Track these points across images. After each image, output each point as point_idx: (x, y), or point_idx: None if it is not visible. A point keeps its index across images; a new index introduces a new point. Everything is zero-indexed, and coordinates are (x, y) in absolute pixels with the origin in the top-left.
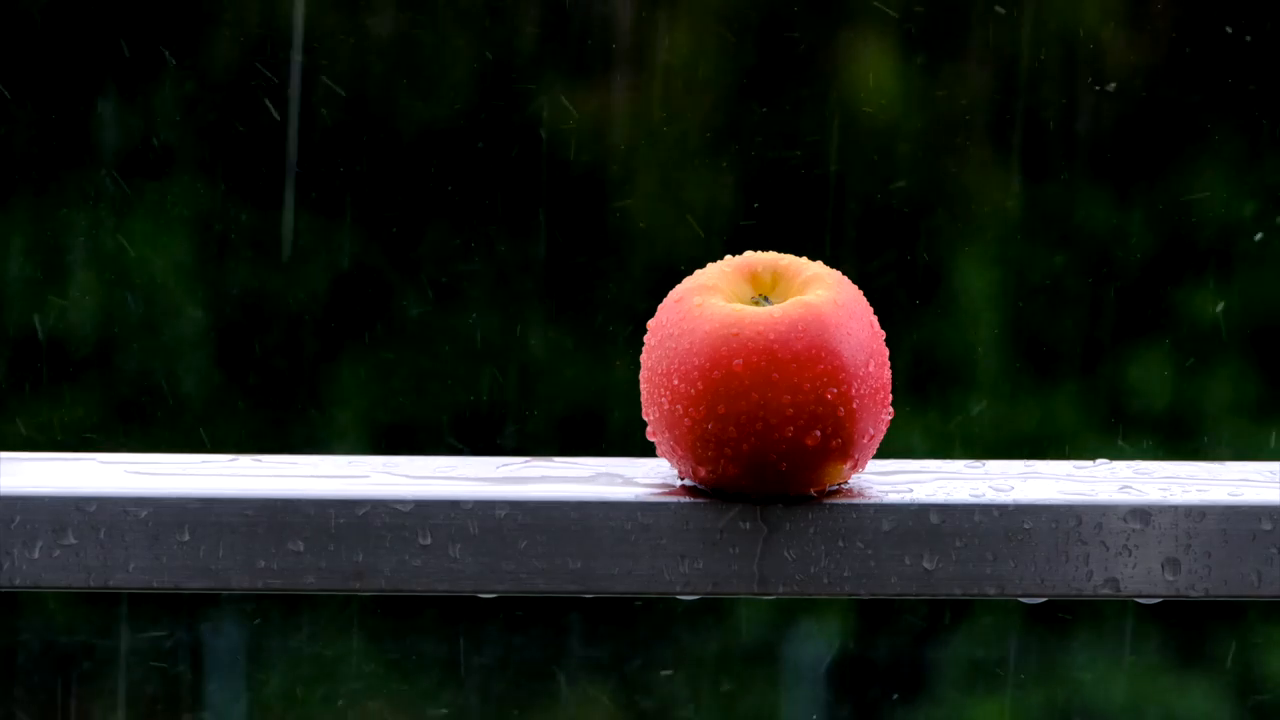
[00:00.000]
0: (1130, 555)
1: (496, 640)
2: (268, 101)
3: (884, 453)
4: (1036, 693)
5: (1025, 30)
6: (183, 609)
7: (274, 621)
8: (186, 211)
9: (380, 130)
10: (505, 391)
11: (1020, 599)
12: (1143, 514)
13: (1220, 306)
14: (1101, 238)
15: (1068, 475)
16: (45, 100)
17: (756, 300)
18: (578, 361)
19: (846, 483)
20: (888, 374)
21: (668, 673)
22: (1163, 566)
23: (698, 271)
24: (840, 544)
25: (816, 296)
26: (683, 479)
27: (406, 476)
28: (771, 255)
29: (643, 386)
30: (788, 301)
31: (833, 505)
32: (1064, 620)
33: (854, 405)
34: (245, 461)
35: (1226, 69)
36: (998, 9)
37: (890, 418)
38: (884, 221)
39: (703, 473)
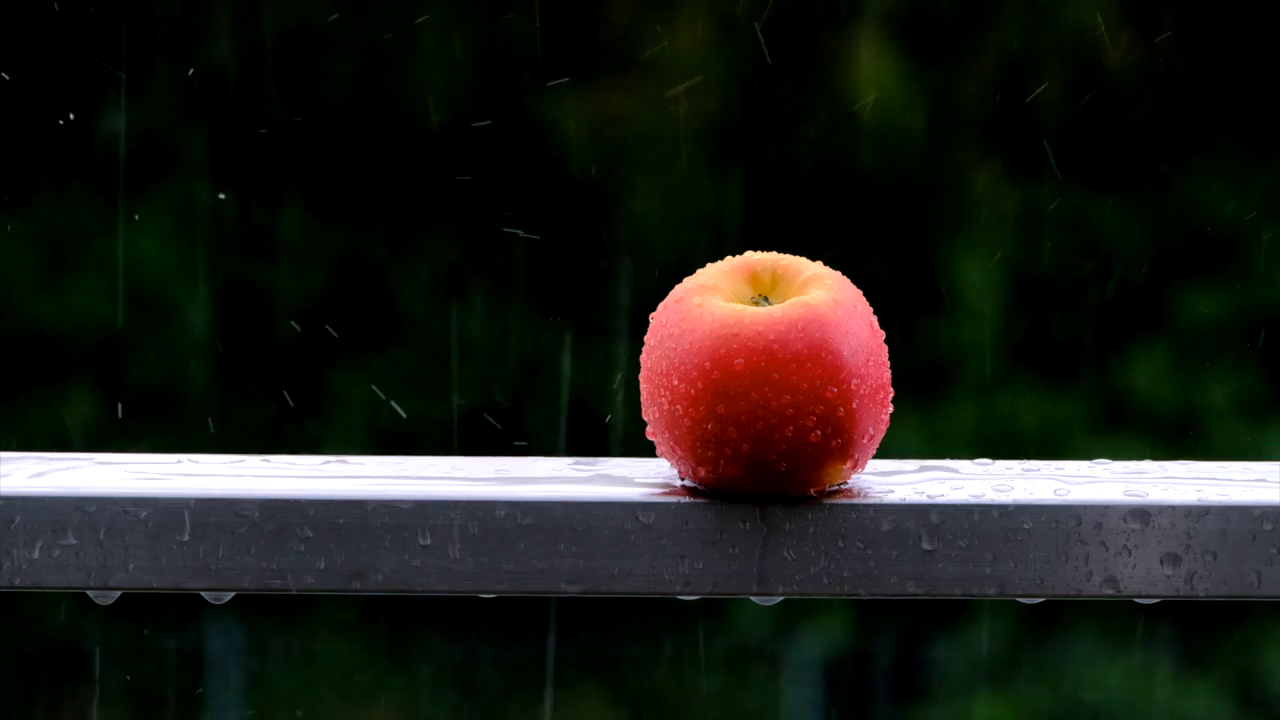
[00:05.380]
0: (1130, 555)
1: (495, 640)
2: (268, 100)
3: (884, 453)
4: (1037, 693)
5: (1026, 29)
6: (182, 609)
7: (274, 622)
8: (186, 211)
9: (381, 129)
10: (505, 391)
11: (1020, 599)
12: (1143, 514)
13: (1220, 306)
14: (1101, 237)
15: (1068, 475)
16: (46, 99)
17: (756, 300)
18: (578, 362)
19: (846, 483)
20: (888, 374)
21: (667, 673)
22: (1162, 566)
23: (698, 271)
24: (840, 544)
25: (816, 297)
26: (683, 479)
27: (406, 476)
28: (771, 255)
29: (643, 386)
30: (788, 302)
31: (833, 505)
32: (1064, 620)
33: (854, 405)
34: (245, 461)
35: (1227, 68)
36: (999, 8)
37: (890, 417)
38: (884, 221)
39: (703, 473)
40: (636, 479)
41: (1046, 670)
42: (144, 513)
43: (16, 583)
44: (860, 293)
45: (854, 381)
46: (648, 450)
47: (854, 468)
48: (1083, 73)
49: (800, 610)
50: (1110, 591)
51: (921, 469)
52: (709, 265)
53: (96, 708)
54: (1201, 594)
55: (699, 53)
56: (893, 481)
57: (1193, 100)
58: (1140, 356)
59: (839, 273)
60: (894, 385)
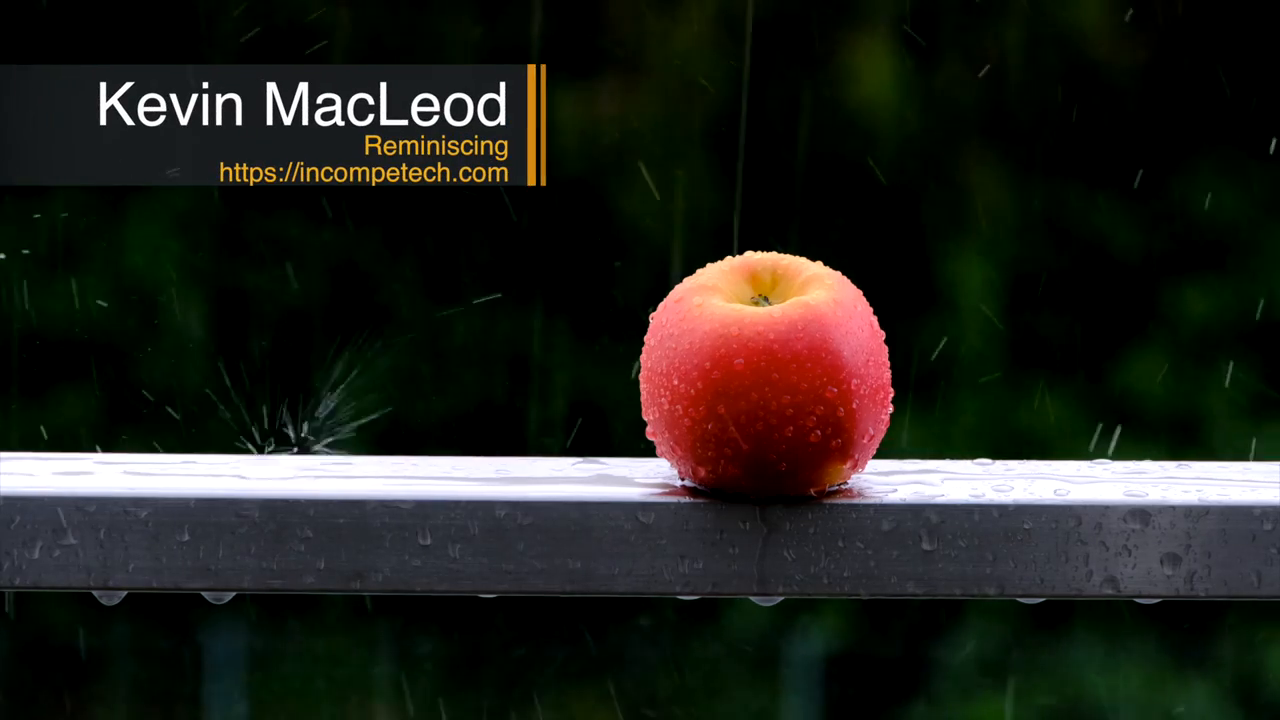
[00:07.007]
0: (1130, 555)
1: (495, 640)
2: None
3: (884, 453)
4: (1037, 693)
5: (1024, 30)
6: (182, 609)
7: (274, 621)
8: (185, 211)
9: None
10: (506, 391)
11: (1020, 599)
12: (1143, 514)
13: (1218, 306)
14: (1100, 237)
15: (1068, 475)
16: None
17: (756, 300)
18: (578, 362)
19: (846, 483)
20: (887, 374)
21: (667, 671)
22: (1162, 566)
23: (698, 271)
24: (840, 544)
25: (816, 297)
26: (683, 479)
27: (406, 476)
28: (771, 255)
29: (643, 386)
30: (788, 302)
31: (833, 505)
32: (1064, 620)
33: (854, 405)
34: (245, 461)
35: (1225, 69)
36: (997, 9)
37: (890, 417)
38: (883, 221)
39: (703, 473)
40: (636, 479)
41: (1046, 670)
42: (144, 513)
43: (16, 583)
44: (860, 293)
45: (854, 381)
46: (648, 450)
47: (854, 468)
48: (1081, 73)
49: (800, 610)
50: (1110, 591)
51: (921, 469)
52: (709, 265)
53: (97, 707)
54: (1201, 594)
55: (698, 52)
56: (893, 481)
57: (1191, 100)
58: (1139, 356)
59: (839, 273)
60: (894, 385)
